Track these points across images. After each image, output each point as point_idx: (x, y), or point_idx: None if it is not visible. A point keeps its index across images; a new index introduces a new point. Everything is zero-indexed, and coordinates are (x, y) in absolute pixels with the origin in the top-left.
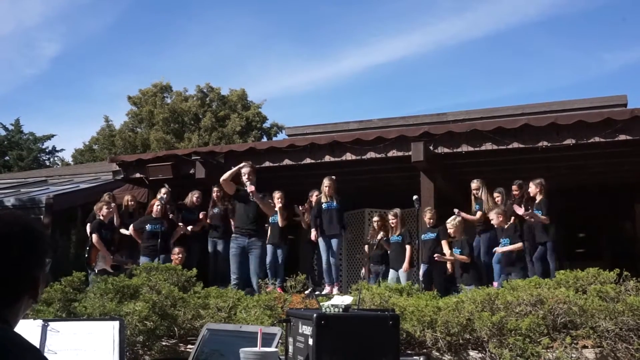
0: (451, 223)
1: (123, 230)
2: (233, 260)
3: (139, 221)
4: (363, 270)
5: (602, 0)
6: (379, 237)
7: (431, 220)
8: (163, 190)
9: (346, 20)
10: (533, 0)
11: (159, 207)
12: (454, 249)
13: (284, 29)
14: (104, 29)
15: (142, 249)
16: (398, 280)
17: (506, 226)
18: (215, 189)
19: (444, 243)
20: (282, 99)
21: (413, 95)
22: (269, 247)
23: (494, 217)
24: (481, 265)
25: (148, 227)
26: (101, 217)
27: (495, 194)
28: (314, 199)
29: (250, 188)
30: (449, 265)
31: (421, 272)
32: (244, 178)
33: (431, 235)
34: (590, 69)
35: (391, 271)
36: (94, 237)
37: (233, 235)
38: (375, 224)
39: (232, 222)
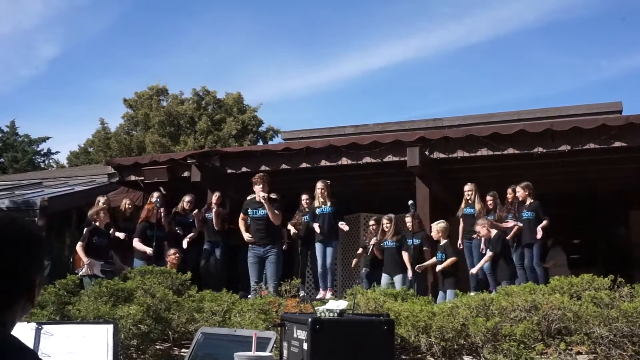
0: (436, 227)
1: (118, 234)
2: (252, 268)
3: (139, 230)
4: (363, 270)
5: (600, 7)
6: (372, 242)
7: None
8: (155, 194)
9: (345, 24)
10: (531, 7)
11: (157, 211)
12: (437, 253)
13: (282, 33)
14: (103, 31)
15: (136, 252)
16: (392, 285)
17: (491, 237)
18: (216, 193)
19: (427, 251)
20: (279, 103)
21: (410, 100)
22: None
23: (479, 228)
24: (460, 269)
25: (149, 232)
26: (97, 223)
27: (488, 198)
28: (304, 203)
29: (261, 194)
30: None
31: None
32: (256, 187)
33: (415, 241)
34: (588, 75)
35: (385, 276)
36: (79, 244)
37: (250, 245)
38: (371, 228)
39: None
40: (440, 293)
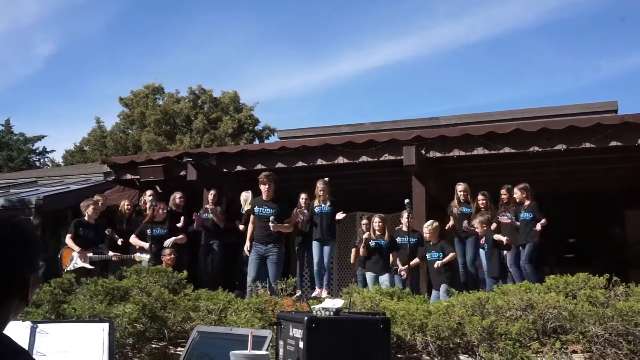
0: (428, 228)
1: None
2: (251, 265)
3: (139, 229)
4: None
5: (598, 7)
6: (365, 236)
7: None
8: (148, 193)
9: (343, 23)
10: (530, 6)
11: (155, 209)
12: (431, 253)
13: (280, 32)
14: (99, 30)
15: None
16: (376, 284)
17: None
18: (212, 192)
19: (421, 250)
20: (276, 102)
21: (408, 99)
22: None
23: (478, 226)
24: (455, 267)
25: (150, 231)
26: (85, 216)
27: (480, 197)
28: (302, 201)
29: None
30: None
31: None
32: (262, 187)
33: (411, 240)
34: (586, 74)
35: (370, 274)
36: (68, 236)
37: (253, 242)
38: (363, 227)
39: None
40: (434, 292)
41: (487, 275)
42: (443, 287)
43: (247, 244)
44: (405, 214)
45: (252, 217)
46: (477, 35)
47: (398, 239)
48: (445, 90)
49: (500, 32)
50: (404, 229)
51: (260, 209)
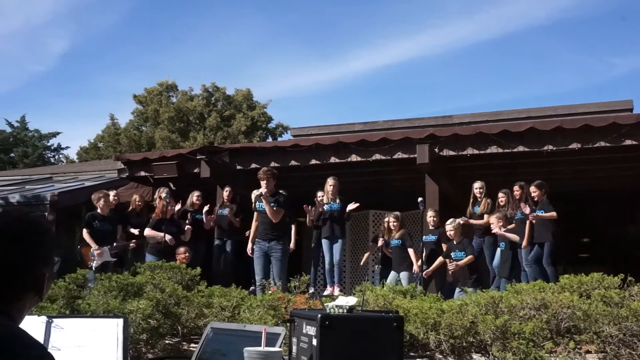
0: (450, 226)
1: (133, 230)
2: (257, 262)
3: (151, 222)
4: (376, 267)
5: (610, 5)
6: (379, 243)
7: (434, 221)
8: (164, 190)
9: (354, 21)
10: (542, 4)
11: (167, 207)
12: (455, 252)
13: (292, 30)
14: (112, 27)
15: (149, 248)
16: (399, 282)
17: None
18: (227, 189)
19: (444, 246)
20: (288, 100)
21: (419, 97)
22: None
23: (494, 222)
24: (480, 267)
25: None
26: (98, 209)
27: (500, 195)
28: (319, 199)
29: (263, 189)
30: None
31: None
32: (262, 183)
33: (432, 238)
34: (599, 73)
35: (392, 273)
36: (84, 230)
37: (256, 239)
38: (387, 224)
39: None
40: (457, 290)
41: (498, 275)
42: (470, 290)
43: (250, 245)
44: (429, 212)
45: (255, 215)
46: (488, 33)
47: (424, 238)
48: (457, 88)
49: (512, 30)
50: (430, 227)
51: (261, 204)
